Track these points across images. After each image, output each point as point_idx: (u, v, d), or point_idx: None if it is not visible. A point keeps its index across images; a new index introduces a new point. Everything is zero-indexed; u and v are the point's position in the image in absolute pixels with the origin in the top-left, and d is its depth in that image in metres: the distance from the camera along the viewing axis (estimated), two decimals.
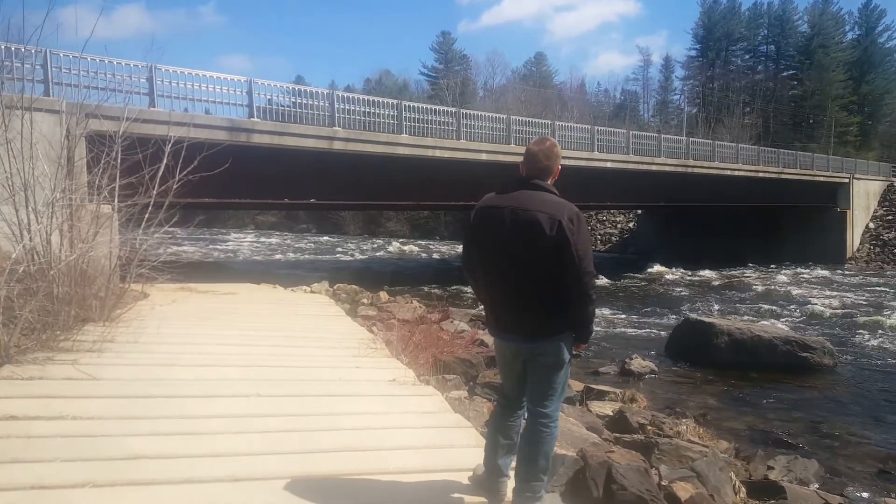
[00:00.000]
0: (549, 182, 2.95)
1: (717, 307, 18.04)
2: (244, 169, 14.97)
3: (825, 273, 28.70)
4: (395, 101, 17.17)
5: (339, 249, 40.01)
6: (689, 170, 27.51)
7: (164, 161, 8.76)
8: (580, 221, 2.82)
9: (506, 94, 65.33)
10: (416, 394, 4.93)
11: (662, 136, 27.26)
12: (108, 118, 9.77)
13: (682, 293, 21.60)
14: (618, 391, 7.71)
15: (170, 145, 8.92)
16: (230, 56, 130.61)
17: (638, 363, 9.65)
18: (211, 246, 38.70)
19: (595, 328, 12.41)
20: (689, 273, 27.93)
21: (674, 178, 27.04)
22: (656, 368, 9.88)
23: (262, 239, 49.03)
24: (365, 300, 15.02)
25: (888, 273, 30.14)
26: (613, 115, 72.78)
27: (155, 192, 8.34)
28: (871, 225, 36.99)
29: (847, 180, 35.92)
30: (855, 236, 35.66)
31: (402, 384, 5.22)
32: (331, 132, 15.43)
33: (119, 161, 8.25)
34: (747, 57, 72.74)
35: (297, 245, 43.45)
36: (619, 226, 47.29)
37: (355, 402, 4.58)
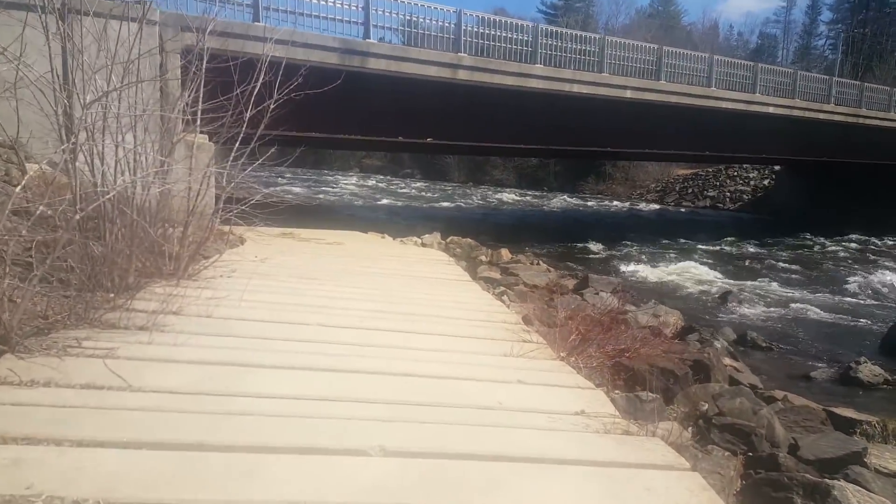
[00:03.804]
0: None
1: None
2: (356, 100, 13.18)
3: None
4: (530, 24, 14.64)
5: (445, 197, 38.20)
6: (861, 121, 23.25)
7: (260, 79, 6.90)
8: None
9: (630, 34, 60.14)
10: (645, 461, 2.82)
11: (834, 79, 22.97)
12: (202, 31, 8.06)
13: (854, 268, 17.99)
14: (873, 420, 5.27)
15: (265, 60, 7.04)
16: None
17: (869, 370, 7.07)
18: (316, 187, 37.99)
19: (772, 309, 9.71)
20: (847, 242, 23.81)
21: (841, 129, 22.93)
22: (890, 377, 7.25)
23: (368, 182, 48.06)
24: (483, 257, 13.04)
25: None
26: (749, 60, 65.73)
27: (248, 114, 6.54)
28: None
29: None
30: None
31: (606, 430, 3.14)
32: (455, 58, 13.22)
33: (202, 81, 6.52)
34: None
35: (402, 190, 42.08)
36: (751, 182, 42.40)
37: (544, 480, 2.54)
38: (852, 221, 27.22)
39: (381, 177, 56.60)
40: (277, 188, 31.45)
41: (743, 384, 5.83)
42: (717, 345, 6.82)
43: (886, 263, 18.95)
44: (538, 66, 14.23)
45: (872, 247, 23.07)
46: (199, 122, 6.49)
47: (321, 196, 32.48)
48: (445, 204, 33.58)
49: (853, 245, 23.07)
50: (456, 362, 4.07)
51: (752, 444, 3.68)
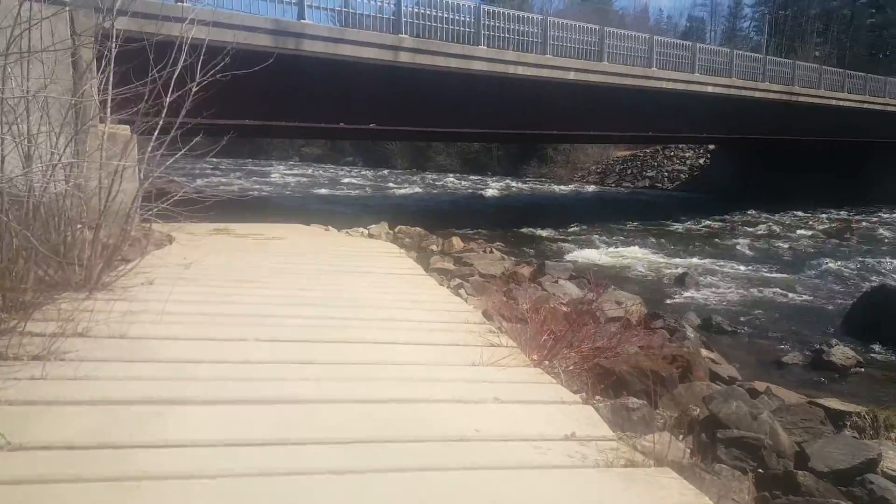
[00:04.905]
0: None
1: (851, 263, 14.84)
2: (292, 85, 12.37)
3: None
4: (471, 5, 14.07)
5: (389, 184, 37.38)
6: (794, 98, 23.68)
7: (181, 62, 6.08)
8: None
9: (564, 18, 60.28)
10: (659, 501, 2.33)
11: (769, 57, 23.32)
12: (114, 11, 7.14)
13: (799, 243, 18.20)
14: (861, 411, 5.00)
15: (185, 41, 6.22)
16: None
17: (841, 352, 6.89)
18: (254, 178, 36.50)
19: (729, 289, 9.46)
20: (785, 217, 24.36)
21: (775, 106, 23.31)
22: (862, 360, 7.11)
23: (308, 171, 46.63)
24: (434, 247, 12.49)
25: None
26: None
27: (168, 98, 5.76)
28: None
29: None
30: None
31: (608, 462, 2.65)
32: (396, 40, 12.54)
33: (112, 64, 5.73)
34: None
35: (344, 179, 40.99)
36: (688, 162, 43.24)
37: None
38: (785, 198, 28.02)
39: (322, 165, 55.17)
40: (211, 180, 30.06)
41: (723, 377, 5.51)
42: (689, 334, 6.51)
43: (822, 238, 19.41)
44: (481, 47, 13.70)
45: (809, 222, 23.67)
46: (109, 108, 5.68)
47: (259, 187, 31.14)
48: (390, 192, 32.80)
49: (789, 221, 23.61)
50: (420, 379, 3.52)
51: (762, 460, 3.27)
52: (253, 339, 3.94)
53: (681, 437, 3.79)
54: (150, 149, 5.64)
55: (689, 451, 3.37)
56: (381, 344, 4.16)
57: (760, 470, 3.27)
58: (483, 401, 3.26)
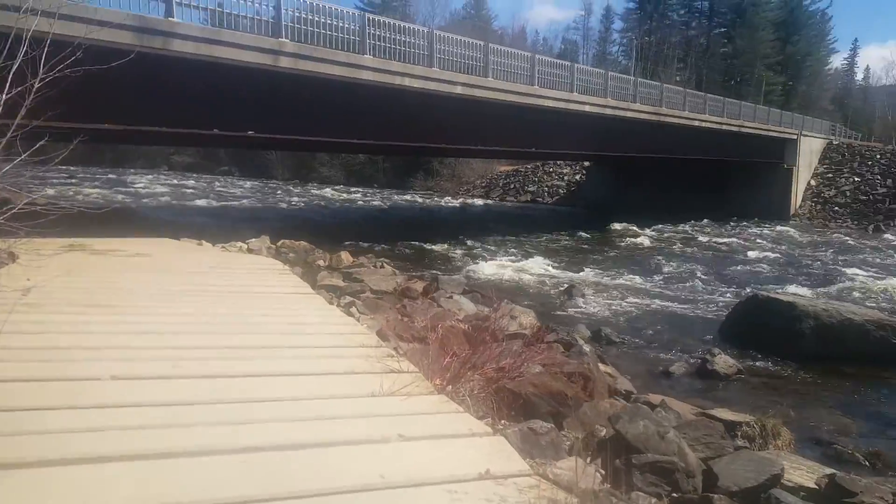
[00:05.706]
0: None
1: (739, 272, 15.87)
2: (160, 88, 11.38)
3: (790, 231, 27.32)
4: (356, 13, 13.68)
5: (269, 196, 35.89)
6: (661, 118, 25.28)
7: (19, 57, 5.26)
8: None
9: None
10: None
11: (639, 80, 24.75)
12: None
13: (670, 253, 19.24)
14: (750, 420, 5.12)
15: (26, 35, 5.42)
16: None
17: (723, 361, 7.14)
18: (116, 188, 33.70)
19: (613, 300, 9.59)
20: (652, 229, 25.85)
21: (644, 126, 24.76)
22: (741, 367, 7.42)
23: (178, 181, 43.79)
24: (321, 262, 11.94)
25: (840, 231, 29.18)
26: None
27: (4, 96, 4.93)
28: (813, 182, 36.83)
29: (795, 137, 35.26)
30: (798, 193, 35.14)
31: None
32: (276, 44, 11.89)
33: None
34: (683, 12, 71.86)
35: (219, 189, 38.90)
36: (565, 178, 45.20)
37: None
38: (655, 211, 29.89)
39: (195, 175, 52.17)
40: (64, 190, 27.46)
41: (621, 392, 5.48)
42: (585, 348, 6.47)
43: (690, 249, 20.71)
44: (367, 56, 13.32)
45: (678, 233, 25.23)
46: None
47: (122, 198, 28.69)
48: (271, 203, 31.45)
49: (658, 233, 25.02)
50: (314, 417, 3.08)
51: (676, 484, 3.15)
52: (108, 377, 3.32)
53: (589, 458, 3.61)
54: None
55: (602, 475, 3.18)
56: (266, 377, 3.66)
57: (675, 494, 3.14)
58: (386, 439, 2.88)
